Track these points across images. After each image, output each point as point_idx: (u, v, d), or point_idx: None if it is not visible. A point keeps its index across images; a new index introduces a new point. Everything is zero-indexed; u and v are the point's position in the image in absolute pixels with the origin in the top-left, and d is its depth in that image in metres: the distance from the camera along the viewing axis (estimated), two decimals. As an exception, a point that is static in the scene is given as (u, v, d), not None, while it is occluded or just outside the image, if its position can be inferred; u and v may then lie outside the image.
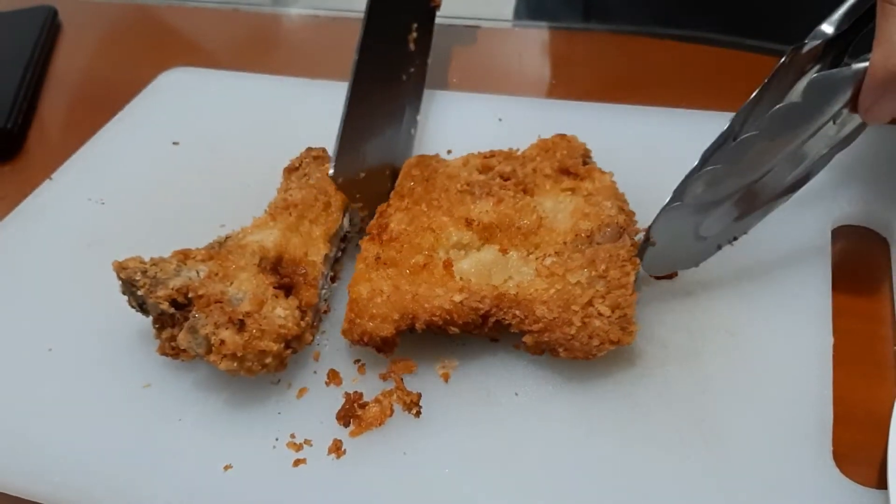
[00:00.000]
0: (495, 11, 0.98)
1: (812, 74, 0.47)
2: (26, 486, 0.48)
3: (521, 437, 0.47)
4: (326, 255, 0.55)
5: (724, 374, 0.49)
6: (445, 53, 0.90)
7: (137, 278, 0.50)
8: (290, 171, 0.63)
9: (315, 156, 0.63)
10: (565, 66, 0.89)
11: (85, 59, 0.99)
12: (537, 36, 0.94)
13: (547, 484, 0.45)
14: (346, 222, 0.60)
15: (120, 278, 0.51)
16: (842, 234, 0.57)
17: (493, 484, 0.45)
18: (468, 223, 0.54)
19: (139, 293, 0.50)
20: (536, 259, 0.52)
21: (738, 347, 0.50)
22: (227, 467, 0.47)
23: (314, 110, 0.76)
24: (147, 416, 0.51)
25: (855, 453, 0.45)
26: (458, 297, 0.49)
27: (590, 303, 0.49)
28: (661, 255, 0.51)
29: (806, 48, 0.47)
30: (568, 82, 0.83)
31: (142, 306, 0.52)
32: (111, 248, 0.55)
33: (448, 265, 0.52)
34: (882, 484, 0.43)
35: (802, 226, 0.57)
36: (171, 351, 0.51)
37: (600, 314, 0.48)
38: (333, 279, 0.58)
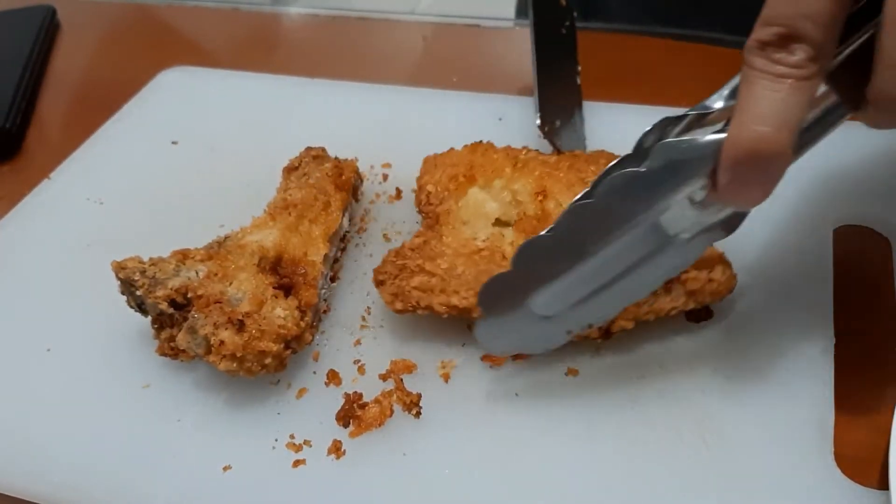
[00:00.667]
0: (496, 11, 0.98)
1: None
2: (25, 487, 0.48)
3: (521, 438, 0.47)
4: (326, 255, 0.55)
5: (724, 374, 0.49)
6: (445, 53, 0.90)
7: (136, 278, 0.50)
8: (290, 170, 0.62)
9: (314, 155, 0.63)
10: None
11: (84, 58, 0.99)
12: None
13: (547, 484, 0.45)
14: (345, 222, 0.59)
15: (118, 278, 0.51)
16: (843, 234, 0.57)
17: (493, 485, 0.45)
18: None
19: (138, 293, 0.50)
20: None
21: (739, 347, 0.50)
22: (226, 468, 0.47)
23: (314, 109, 0.76)
24: (146, 417, 0.50)
25: (856, 453, 0.45)
26: None
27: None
28: (494, 328, 0.47)
29: (683, 121, 0.41)
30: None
31: (140, 306, 0.52)
32: (110, 248, 0.55)
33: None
34: (883, 484, 0.43)
35: (803, 225, 0.57)
36: (171, 351, 0.51)
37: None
38: (333, 279, 0.58)
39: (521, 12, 1.05)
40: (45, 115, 0.87)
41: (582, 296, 0.45)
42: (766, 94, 0.36)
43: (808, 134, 0.40)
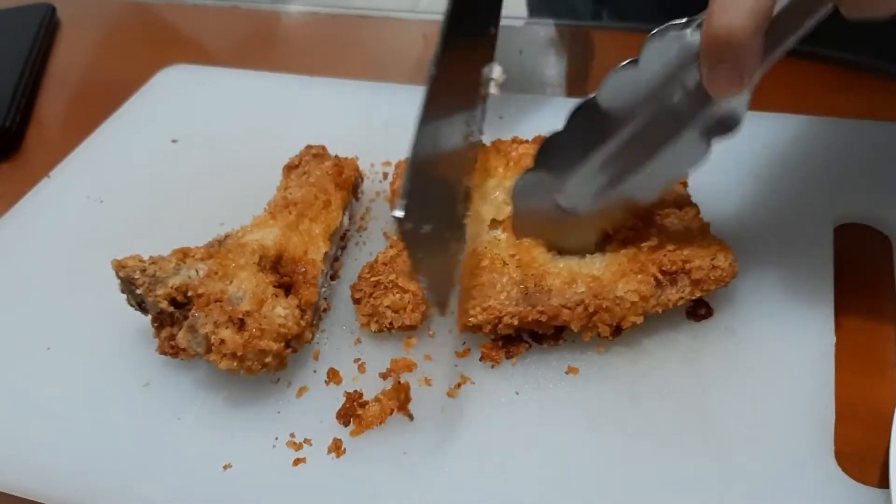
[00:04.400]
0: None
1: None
2: (25, 486, 0.48)
3: (521, 436, 0.47)
4: (326, 254, 0.55)
5: (724, 372, 0.48)
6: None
7: (136, 277, 0.50)
8: (290, 168, 0.62)
9: (315, 153, 0.62)
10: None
11: (83, 56, 0.99)
12: (536, 33, 0.94)
13: (548, 483, 0.45)
14: (345, 220, 0.59)
15: (119, 277, 0.51)
16: (844, 232, 0.57)
17: (494, 483, 0.45)
18: None
19: (138, 292, 0.50)
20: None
21: (739, 345, 0.50)
22: (226, 466, 0.47)
23: (314, 108, 0.76)
24: (146, 415, 0.51)
25: (857, 451, 0.45)
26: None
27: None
28: (525, 221, 0.52)
29: (688, 25, 0.43)
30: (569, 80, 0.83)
31: (141, 305, 0.52)
32: (110, 247, 0.55)
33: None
34: (884, 482, 0.43)
35: (804, 223, 0.56)
36: (171, 350, 0.50)
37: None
38: (333, 277, 0.58)
39: (533, 11, 1.04)
40: (45, 114, 0.87)
41: (598, 188, 0.49)
42: None
43: (785, 23, 0.40)
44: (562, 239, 0.52)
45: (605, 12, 0.95)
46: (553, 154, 0.49)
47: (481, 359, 0.51)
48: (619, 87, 0.45)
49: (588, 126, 0.47)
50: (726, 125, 0.44)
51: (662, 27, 0.43)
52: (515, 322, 0.48)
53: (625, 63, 0.45)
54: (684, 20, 0.42)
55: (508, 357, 0.51)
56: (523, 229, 0.53)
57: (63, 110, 0.89)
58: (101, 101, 0.82)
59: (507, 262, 0.52)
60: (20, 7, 1.02)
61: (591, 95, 0.46)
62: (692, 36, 0.42)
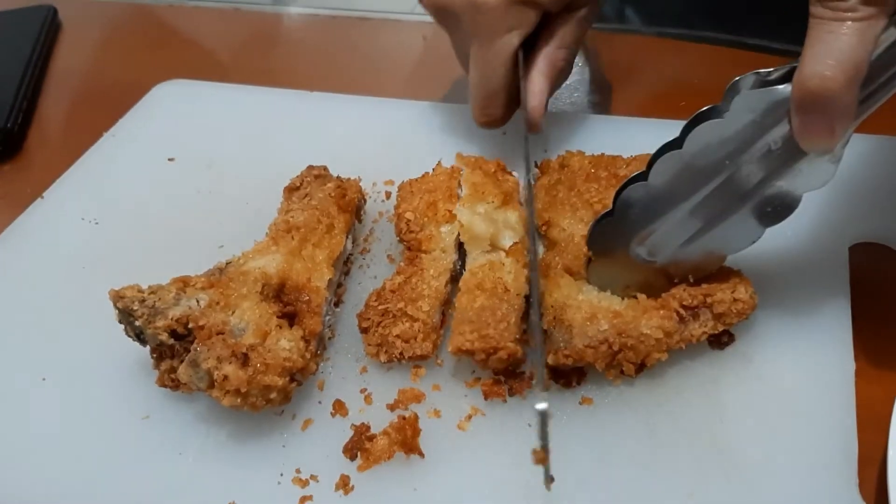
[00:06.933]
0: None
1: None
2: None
3: (534, 470, 0.45)
4: (330, 280, 0.53)
5: (743, 401, 0.47)
6: (448, 63, 0.88)
7: (135, 308, 0.48)
8: (291, 190, 0.61)
9: (316, 175, 0.61)
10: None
11: (85, 57, 0.98)
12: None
13: (563, 520, 0.43)
14: (349, 244, 0.58)
15: (116, 308, 0.49)
16: (858, 252, 0.56)
17: (508, 521, 0.43)
18: None
19: (137, 323, 0.48)
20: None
21: (757, 374, 0.49)
22: (230, 505, 0.45)
23: (313, 124, 0.75)
24: (146, 450, 0.49)
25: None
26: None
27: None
28: (600, 267, 0.51)
29: (771, 75, 0.43)
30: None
31: (139, 336, 0.50)
32: (106, 270, 0.53)
33: None
34: (882, 484, 0.42)
35: (818, 245, 0.55)
36: (171, 383, 0.49)
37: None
38: (337, 303, 0.56)
39: None
40: (47, 115, 0.87)
41: (682, 240, 0.47)
42: (826, 37, 0.38)
43: (881, 73, 0.40)
44: (631, 286, 0.50)
45: (631, 11, 0.94)
46: (635, 202, 0.47)
47: (485, 396, 0.49)
48: (705, 138, 0.43)
49: (672, 176, 0.45)
50: (822, 178, 0.44)
51: (746, 76, 0.42)
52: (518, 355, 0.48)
53: (705, 110, 0.44)
54: (770, 70, 0.42)
55: (511, 394, 0.49)
56: (598, 276, 0.51)
57: (65, 111, 0.88)
58: (103, 101, 0.81)
59: (508, 287, 0.51)
60: (22, 9, 1.02)
61: (672, 142, 0.45)
62: (783, 89, 0.40)
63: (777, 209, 0.45)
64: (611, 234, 0.49)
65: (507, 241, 0.54)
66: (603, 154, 0.60)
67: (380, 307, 0.51)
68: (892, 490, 0.39)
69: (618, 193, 0.47)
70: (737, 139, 0.43)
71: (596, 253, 0.50)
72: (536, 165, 0.62)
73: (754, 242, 0.47)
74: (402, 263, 0.55)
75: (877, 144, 0.62)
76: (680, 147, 0.44)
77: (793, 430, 0.45)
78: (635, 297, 0.49)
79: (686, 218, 0.46)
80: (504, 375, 0.50)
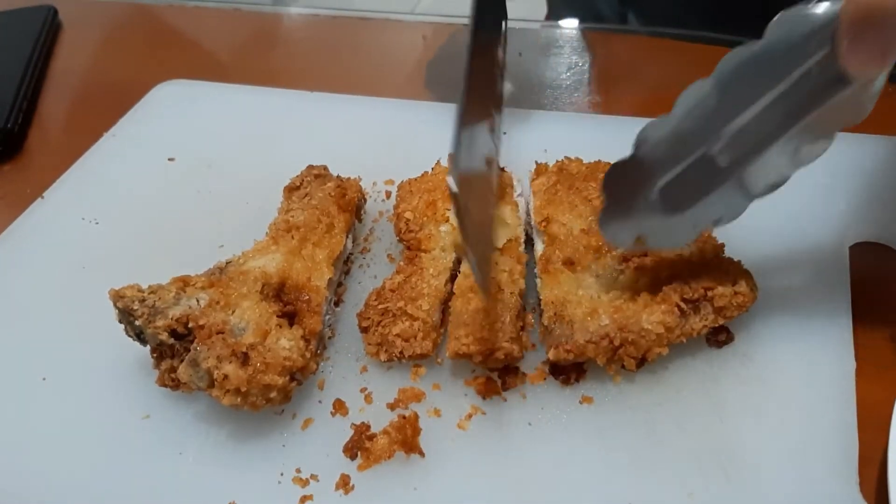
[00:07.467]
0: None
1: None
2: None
3: (535, 469, 0.46)
4: (330, 280, 0.53)
5: (742, 400, 0.47)
6: (448, 64, 0.88)
7: (135, 307, 0.48)
8: (291, 190, 0.61)
9: (316, 174, 0.61)
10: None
11: (85, 57, 0.98)
12: (537, 35, 0.92)
13: (564, 519, 0.43)
14: (349, 243, 0.58)
15: (116, 307, 0.49)
16: (858, 252, 0.56)
17: (508, 520, 0.43)
18: None
19: (137, 323, 0.48)
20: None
21: (756, 372, 0.49)
22: (230, 504, 0.45)
23: (313, 123, 0.75)
24: (146, 450, 0.49)
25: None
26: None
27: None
28: (616, 217, 0.46)
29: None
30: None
31: (140, 336, 0.50)
32: (106, 270, 0.53)
33: None
34: (882, 484, 0.42)
35: (818, 243, 0.55)
36: (171, 382, 0.49)
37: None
38: (337, 303, 0.56)
39: (554, 12, 1.03)
40: (47, 115, 0.87)
41: (708, 185, 0.43)
42: None
43: None
44: (641, 237, 0.47)
45: (632, 13, 0.94)
46: (656, 141, 0.43)
47: (479, 395, 0.49)
48: (738, 66, 0.40)
49: (699, 111, 0.41)
50: (859, 111, 0.40)
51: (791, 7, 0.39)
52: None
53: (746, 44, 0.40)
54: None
55: (505, 388, 0.49)
56: (609, 226, 0.47)
57: (65, 111, 0.88)
58: (104, 102, 0.81)
59: (501, 285, 0.51)
60: (22, 9, 1.02)
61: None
62: (826, 7, 0.37)
63: (809, 148, 0.41)
64: (630, 175, 0.45)
65: (501, 238, 0.54)
66: (599, 161, 0.60)
67: (380, 306, 0.51)
68: (892, 490, 0.39)
69: (639, 135, 0.44)
70: (771, 66, 0.39)
71: (610, 199, 0.46)
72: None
73: (777, 188, 0.43)
74: (401, 263, 0.55)
75: (877, 144, 0.62)
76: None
77: (793, 430, 0.45)
78: (635, 294, 0.49)
79: (713, 158, 0.43)
80: (498, 371, 0.50)
